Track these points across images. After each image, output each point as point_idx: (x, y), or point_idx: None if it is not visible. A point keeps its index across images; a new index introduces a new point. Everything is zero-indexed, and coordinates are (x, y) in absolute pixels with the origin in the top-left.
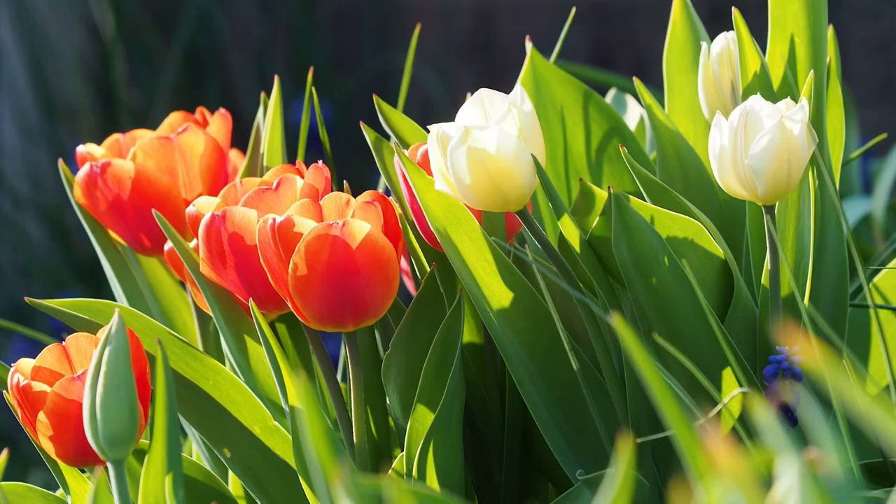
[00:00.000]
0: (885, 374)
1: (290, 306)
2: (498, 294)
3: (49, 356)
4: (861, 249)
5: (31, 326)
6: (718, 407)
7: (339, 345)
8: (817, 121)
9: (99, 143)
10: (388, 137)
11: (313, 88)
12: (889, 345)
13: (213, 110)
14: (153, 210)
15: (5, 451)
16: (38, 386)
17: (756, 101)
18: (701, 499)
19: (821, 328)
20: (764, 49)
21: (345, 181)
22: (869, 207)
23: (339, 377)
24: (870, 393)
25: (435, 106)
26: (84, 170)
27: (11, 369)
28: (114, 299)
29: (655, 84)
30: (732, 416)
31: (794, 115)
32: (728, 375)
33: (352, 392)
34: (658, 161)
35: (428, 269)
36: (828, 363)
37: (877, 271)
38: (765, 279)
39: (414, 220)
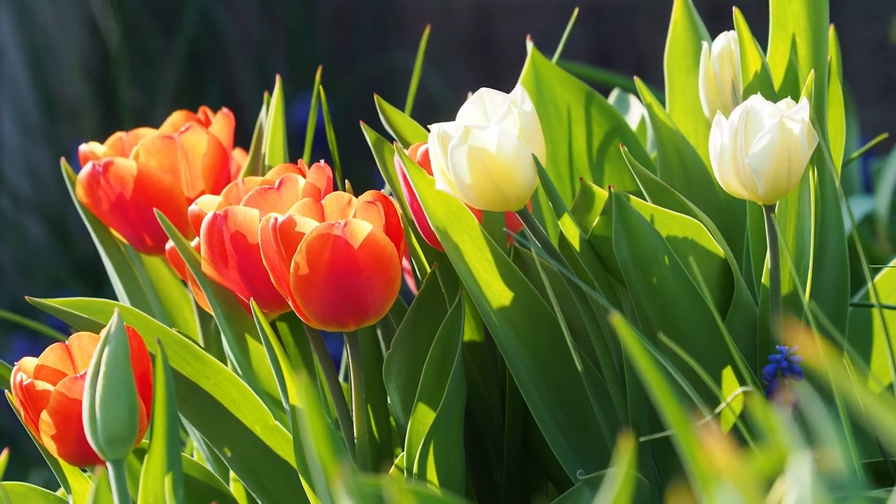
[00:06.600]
0: (886, 372)
1: (292, 306)
2: (498, 293)
3: (52, 355)
4: (863, 249)
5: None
6: (722, 405)
7: (342, 344)
8: (818, 120)
9: (100, 142)
10: (387, 137)
11: (321, 87)
12: (893, 344)
13: (213, 109)
14: (155, 209)
15: (6, 451)
16: (42, 385)
17: (756, 100)
18: (701, 500)
19: (821, 327)
20: (765, 48)
21: (346, 180)
22: (869, 207)
23: (341, 376)
24: (872, 391)
25: (435, 105)
26: (86, 169)
27: (14, 368)
28: (115, 298)
29: (655, 84)
30: (734, 414)
31: (794, 115)
32: (728, 374)
33: (353, 391)
34: (658, 160)
35: (428, 269)
36: (828, 362)
37: (879, 270)
38: (765, 278)
39: (414, 219)
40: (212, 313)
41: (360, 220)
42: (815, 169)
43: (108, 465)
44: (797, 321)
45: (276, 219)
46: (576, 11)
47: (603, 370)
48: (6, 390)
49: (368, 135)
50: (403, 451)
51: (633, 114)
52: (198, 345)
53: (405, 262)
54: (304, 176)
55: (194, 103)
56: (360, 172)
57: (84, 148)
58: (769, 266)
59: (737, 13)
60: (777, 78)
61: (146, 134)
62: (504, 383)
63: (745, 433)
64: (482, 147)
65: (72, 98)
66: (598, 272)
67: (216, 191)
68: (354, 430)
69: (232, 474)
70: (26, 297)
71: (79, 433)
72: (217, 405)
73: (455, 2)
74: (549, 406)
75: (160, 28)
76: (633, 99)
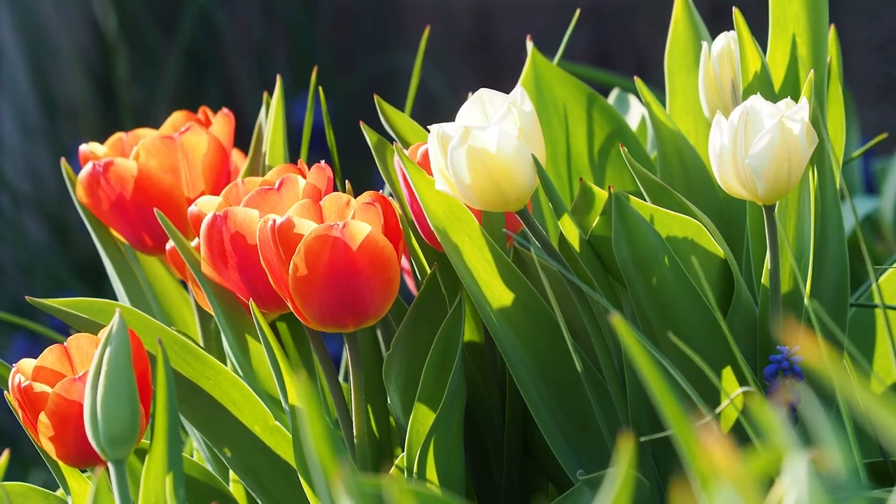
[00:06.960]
0: (888, 372)
1: (291, 307)
2: (498, 294)
3: (50, 356)
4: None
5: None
6: (723, 405)
7: (342, 344)
8: (818, 121)
9: (100, 141)
10: (387, 137)
11: (319, 87)
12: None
13: (213, 109)
14: (155, 209)
15: (6, 452)
16: (40, 387)
17: (756, 100)
18: (701, 500)
19: (822, 327)
20: (765, 48)
21: (346, 181)
22: (870, 207)
23: (341, 377)
24: (873, 391)
25: (435, 105)
26: (87, 169)
27: (13, 370)
28: (115, 299)
29: (655, 84)
30: (737, 410)
31: (794, 115)
32: (728, 374)
33: (353, 391)
34: (658, 160)
35: (428, 270)
36: (829, 362)
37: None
38: (765, 279)
39: (414, 219)
40: (212, 313)
41: (358, 222)
42: (815, 169)
43: (110, 465)
44: (797, 321)
45: (274, 220)
46: (577, 12)
47: (603, 370)
48: (5, 390)
49: (368, 135)
50: (403, 451)
51: (633, 114)
52: (198, 345)
53: (405, 263)
54: (304, 176)
55: (194, 103)
56: (360, 172)
57: (84, 148)
58: (769, 266)
59: (737, 13)
60: (777, 78)
61: (146, 134)
62: (504, 383)
63: (745, 433)
64: (482, 147)
65: (72, 98)
66: (598, 272)
67: (216, 191)
68: (354, 430)
69: (232, 474)
70: (26, 297)
71: (77, 435)
72: (217, 405)
73: (455, 2)
74: (549, 406)
75: (160, 28)
76: (633, 99)
